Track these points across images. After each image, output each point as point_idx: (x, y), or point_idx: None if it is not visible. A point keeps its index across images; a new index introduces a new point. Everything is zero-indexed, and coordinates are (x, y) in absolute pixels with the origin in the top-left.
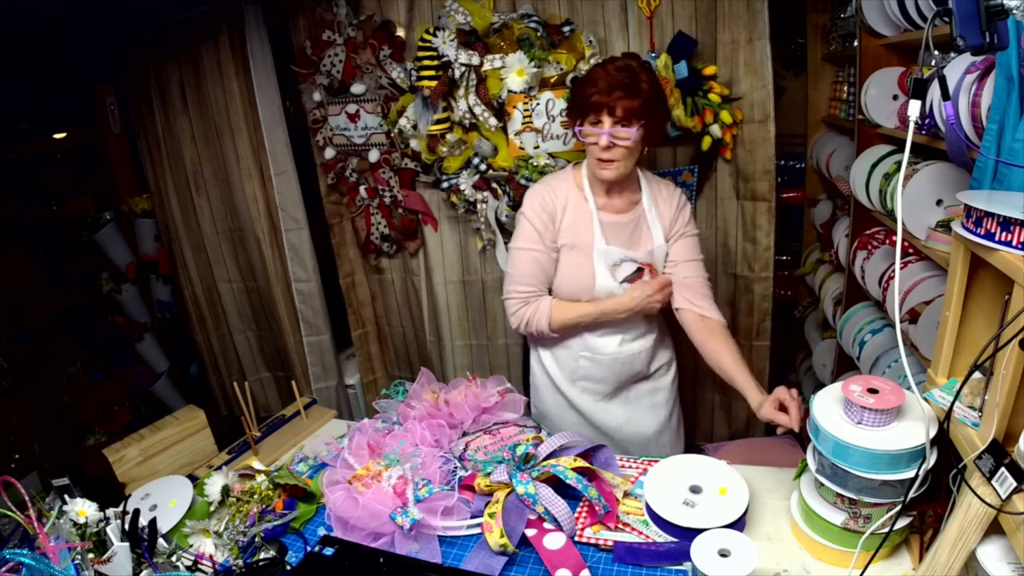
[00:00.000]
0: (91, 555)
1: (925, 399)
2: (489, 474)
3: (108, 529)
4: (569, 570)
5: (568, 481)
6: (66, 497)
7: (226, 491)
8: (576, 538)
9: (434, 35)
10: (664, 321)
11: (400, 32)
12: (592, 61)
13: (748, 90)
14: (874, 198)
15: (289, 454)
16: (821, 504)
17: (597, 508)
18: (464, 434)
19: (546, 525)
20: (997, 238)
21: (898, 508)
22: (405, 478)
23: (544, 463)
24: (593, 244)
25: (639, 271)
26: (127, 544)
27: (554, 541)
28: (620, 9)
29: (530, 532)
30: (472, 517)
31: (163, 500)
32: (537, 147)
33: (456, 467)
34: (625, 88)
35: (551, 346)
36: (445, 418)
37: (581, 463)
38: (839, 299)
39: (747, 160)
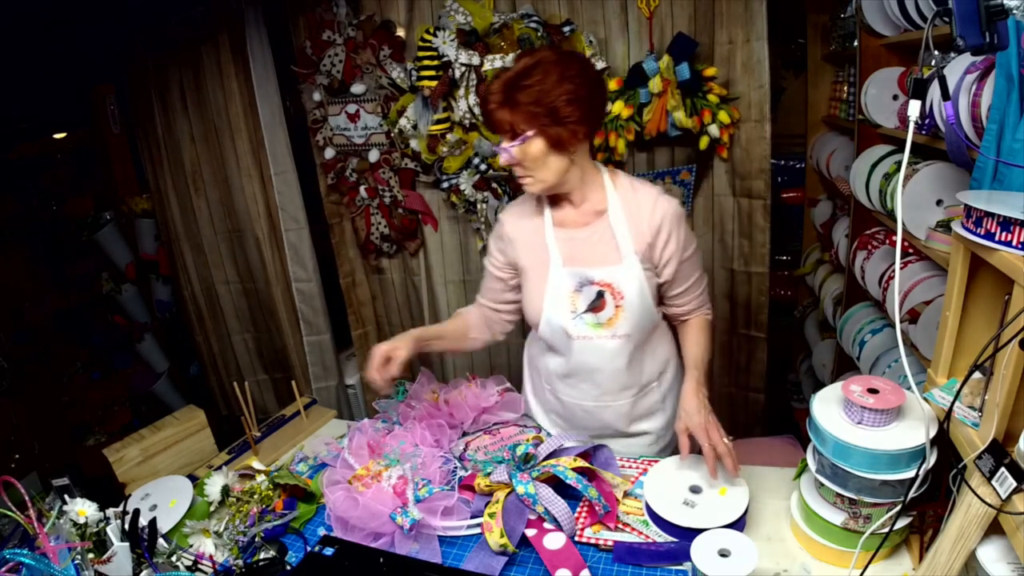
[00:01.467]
0: (91, 555)
1: (925, 399)
2: (489, 474)
3: (108, 529)
4: (569, 570)
5: (568, 481)
6: (66, 497)
7: (226, 491)
8: (576, 538)
9: (434, 35)
10: (676, 380)
11: (400, 32)
12: (592, 61)
13: (745, 90)
14: (874, 198)
15: (289, 454)
16: (821, 504)
17: (597, 508)
18: (464, 434)
19: (546, 525)
20: (997, 238)
21: (898, 508)
22: (405, 478)
23: (544, 463)
24: (549, 266)
25: (599, 297)
26: (127, 544)
27: (554, 541)
28: (620, 9)
29: (530, 532)
30: (472, 517)
31: (163, 500)
32: None
33: (456, 467)
34: (502, 100)
35: (531, 361)
36: (445, 418)
37: (581, 463)
38: (839, 299)
39: (743, 159)
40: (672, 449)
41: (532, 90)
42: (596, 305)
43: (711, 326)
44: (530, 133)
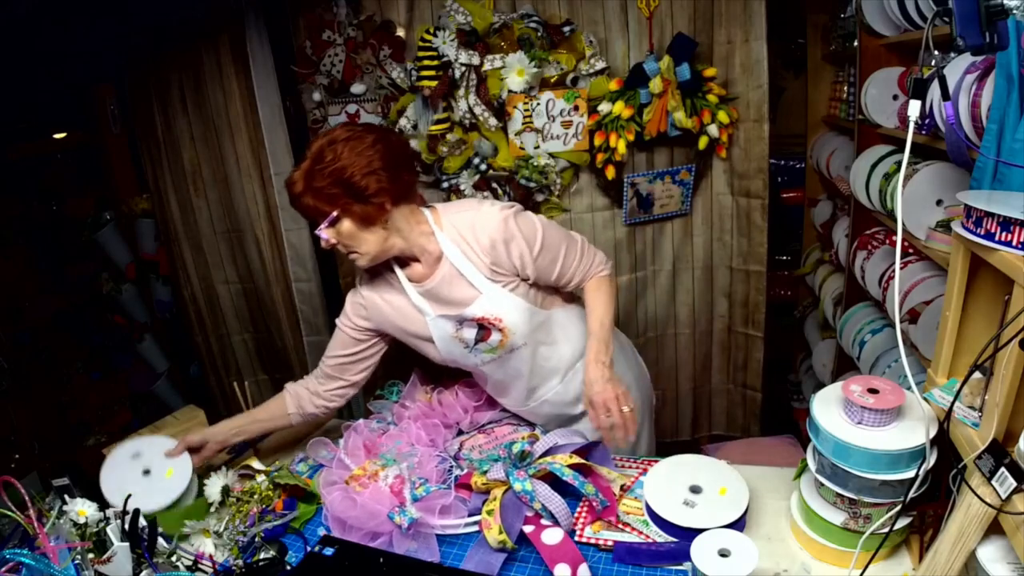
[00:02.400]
0: (91, 555)
1: (925, 399)
2: (486, 472)
3: (108, 529)
4: (568, 564)
5: (565, 478)
6: (66, 497)
7: (226, 491)
8: (576, 538)
9: (434, 35)
10: (623, 354)
11: (400, 32)
12: (592, 61)
13: (744, 90)
14: (874, 198)
15: (289, 454)
16: (821, 504)
17: (595, 504)
18: (460, 432)
19: (543, 521)
20: (997, 238)
21: (898, 508)
22: (402, 477)
23: (540, 460)
24: (426, 318)
25: (482, 329)
26: (127, 544)
27: (552, 536)
28: (620, 9)
29: (528, 528)
30: (470, 515)
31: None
32: (537, 147)
33: (452, 466)
34: (303, 188)
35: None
36: (439, 418)
37: (577, 460)
38: (839, 299)
39: (742, 159)
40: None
41: (326, 172)
42: (482, 336)
43: (606, 282)
44: (335, 214)
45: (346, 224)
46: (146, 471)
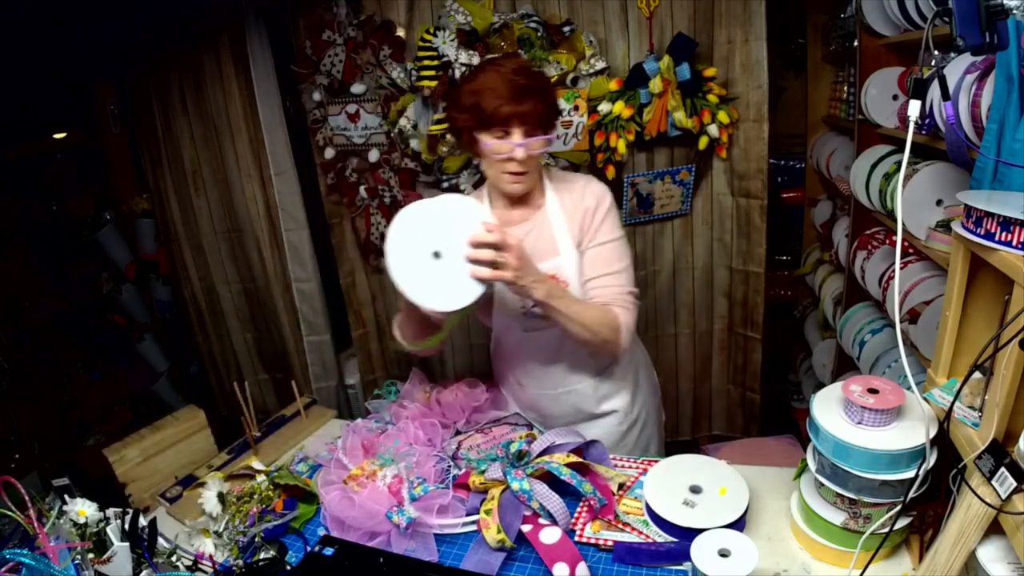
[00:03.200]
0: (91, 555)
1: (925, 399)
2: (484, 472)
3: (108, 529)
4: (566, 563)
5: (563, 477)
6: (66, 497)
7: (222, 498)
8: (577, 538)
9: (434, 35)
10: (637, 361)
11: (400, 32)
12: (592, 61)
13: (744, 90)
14: (874, 198)
15: (289, 454)
16: (821, 504)
17: (593, 502)
18: (457, 432)
19: (541, 520)
20: (997, 238)
21: (898, 508)
22: (400, 477)
23: (538, 460)
24: None
25: None
26: (127, 544)
27: (550, 535)
28: (620, 9)
29: (526, 528)
30: (468, 515)
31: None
32: None
33: (450, 466)
34: (535, 93)
35: (497, 358)
36: (437, 417)
37: (574, 459)
38: (839, 299)
39: (742, 159)
40: (641, 427)
41: (548, 86)
42: None
43: (611, 316)
44: (552, 126)
45: (542, 140)
46: (436, 254)
